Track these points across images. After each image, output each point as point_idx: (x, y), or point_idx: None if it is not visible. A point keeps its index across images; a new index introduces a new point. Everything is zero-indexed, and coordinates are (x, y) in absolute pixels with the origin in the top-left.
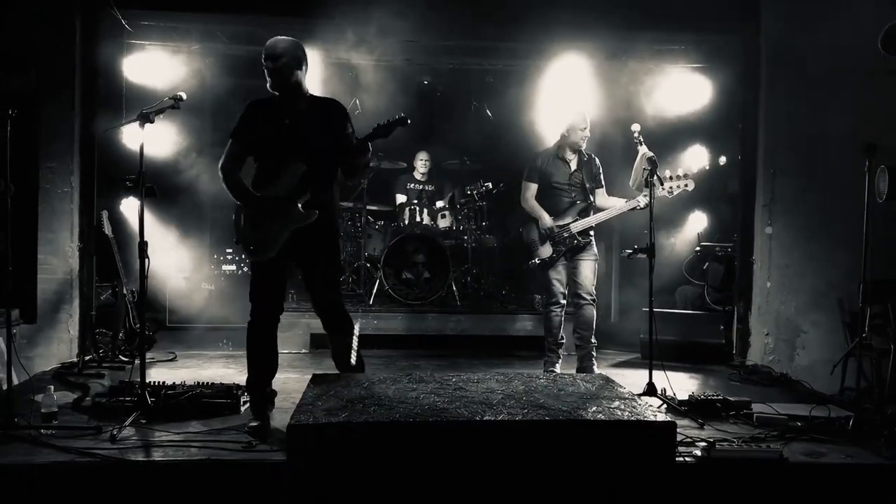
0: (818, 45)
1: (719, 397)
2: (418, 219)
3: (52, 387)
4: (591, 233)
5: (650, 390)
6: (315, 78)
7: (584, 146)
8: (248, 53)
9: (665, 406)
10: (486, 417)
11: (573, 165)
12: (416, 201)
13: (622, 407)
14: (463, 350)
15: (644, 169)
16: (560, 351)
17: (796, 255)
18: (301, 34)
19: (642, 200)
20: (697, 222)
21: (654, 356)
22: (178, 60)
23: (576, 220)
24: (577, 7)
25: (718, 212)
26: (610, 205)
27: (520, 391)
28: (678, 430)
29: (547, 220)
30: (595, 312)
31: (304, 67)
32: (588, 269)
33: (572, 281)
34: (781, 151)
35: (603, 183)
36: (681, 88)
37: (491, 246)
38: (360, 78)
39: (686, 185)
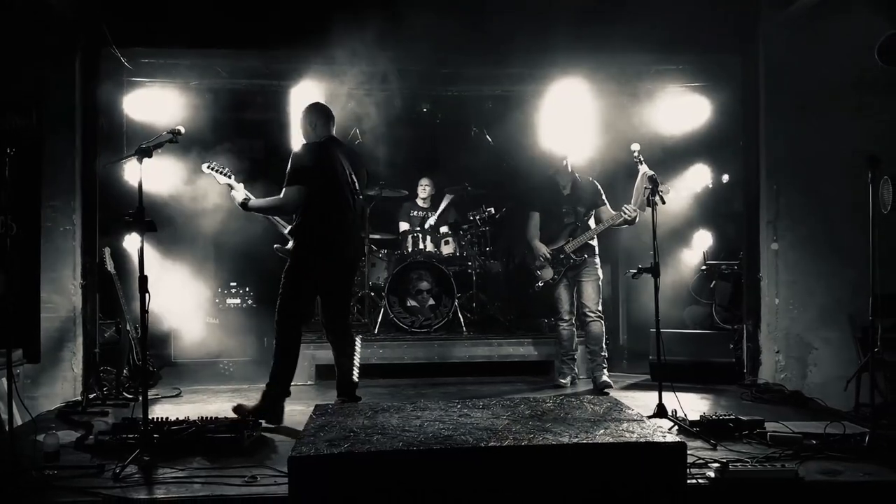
0: (817, 62)
1: (731, 417)
2: (421, 246)
3: (54, 426)
4: (592, 252)
5: (660, 412)
6: None
7: (567, 176)
8: (248, 87)
9: (676, 427)
10: (491, 443)
11: (567, 189)
12: (418, 228)
13: (630, 429)
14: (470, 377)
15: (645, 188)
16: (573, 364)
17: (803, 272)
18: (298, 66)
19: (628, 209)
20: (702, 241)
21: (664, 377)
22: (178, 96)
23: (568, 241)
24: (576, 31)
25: (723, 230)
26: (601, 219)
27: (526, 416)
28: (690, 451)
29: (539, 249)
30: (603, 327)
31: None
32: (590, 288)
33: (578, 300)
34: (784, 168)
35: (605, 202)
36: (681, 108)
37: (496, 271)
38: (359, 107)
39: (663, 202)
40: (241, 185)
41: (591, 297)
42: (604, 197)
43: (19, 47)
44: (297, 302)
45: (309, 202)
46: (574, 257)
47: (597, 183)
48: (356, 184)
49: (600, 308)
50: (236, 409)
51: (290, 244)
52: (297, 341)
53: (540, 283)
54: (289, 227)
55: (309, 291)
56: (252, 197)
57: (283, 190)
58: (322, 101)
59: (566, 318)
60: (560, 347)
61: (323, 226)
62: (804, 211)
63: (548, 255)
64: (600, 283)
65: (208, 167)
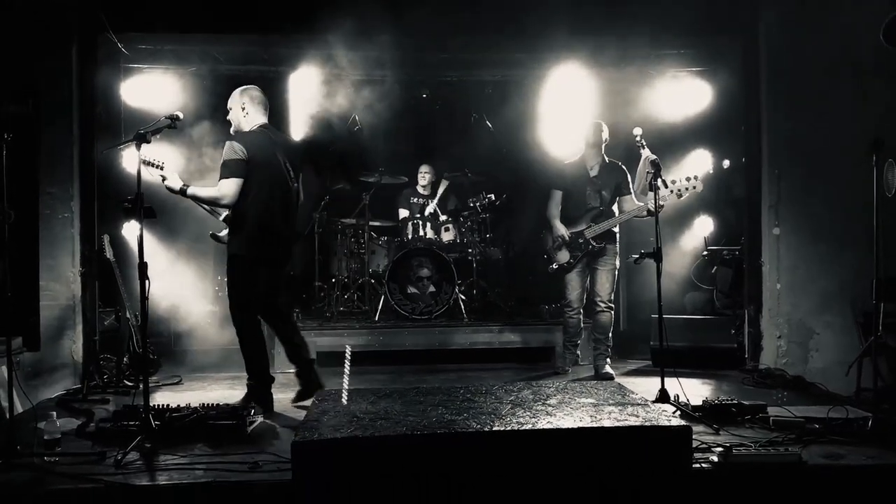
0: (818, 45)
1: (734, 402)
2: (422, 233)
3: (54, 413)
4: (613, 239)
5: (663, 397)
6: (314, 94)
7: (598, 158)
8: (245, 73)
9: (679, 412)
10: (495, 428)
11: (593, 172)
12: (418, 215)
13: (635, 413)
14: (471, 363)
15: (647, 172)
16: (576, 351)
17: (805, 256)
18: (297, 51)
19: (650, 202)
20: (704, 227)
21: (666, 363)
22: (176, 83)
23: (589, 227)
24: (576, 15)
25: (724, 215)
26: (624, 209)
27: (529, 400)
28: (693, 436)
29: (559, 229)
30: (612, 317)
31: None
32: (605, 277)
33: (591, 288)
34: (785, 152)
35: (631, 190)
36: (682, 92)
37: (496, 258)
38: (358, 93)
39: (695, 187)
40: (175, 172)
41: (605, 286)
42: (631, 185)
43: (15, 34)
44: (244, 292)
45: (245, 192)
46: (593, 244)
47: (625, 169)
48: (291, 172)
49: (612, 298)
50: None
51: (225, 232)
52: (256, 330)
53: (554, 266)
54: (223, 214)
55: (254, 279)
56: (188, 185)
57: (219, 183)
58: (320, 86)
59: (575, 305)
60: (565, 334)
61: (260, 216)
62: (806, 195)
63: (567, 237)
64: (616, 273)
65: (143, 161)
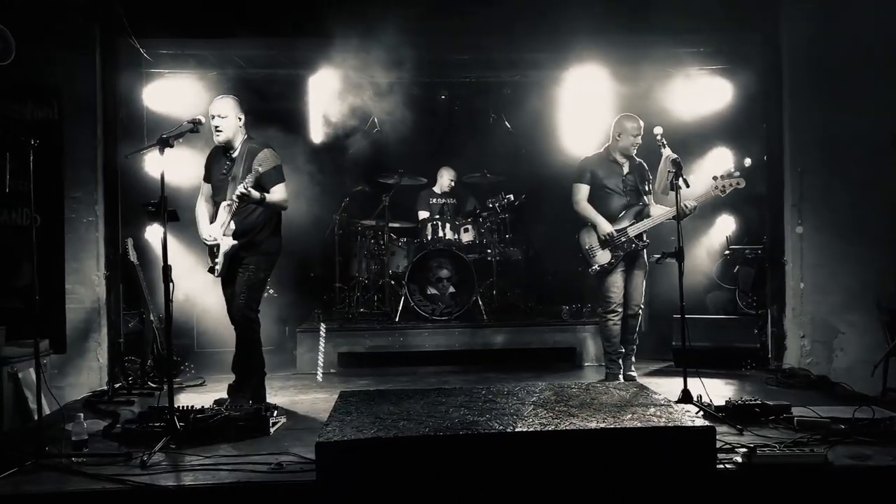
0: (841, 41)
1: (757, 402)
2: (441, 234)
3: (81, 415)
4: (646, 238)
5: (685, 397)
6: (332, 97)
7: (634, 152)
8: (265, 76)
9: (702, 413)
10: (518, 429)
11: (626, 168)
12: (437, 216)
13: (658, 414)
14: (492, 364)
15: (669, 172)
16: (620, 363)
17: (829, 255)
18: (315, 54)
19: (690, 203)
20: (725, 226)
21: (688, 363)
22: (197, 87)
23: (633, 224)
24: (594, 14)
25: (746, 214)
26: (661, 209)
27: (551, 401)
28: (717, 436)
29: (606, 225)
30: (639, 320)
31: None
32: (640, 280)
33: (626, 291)
34: (808, 150)
35: (650, 190)
36: (702, 91)
37: (515, 258)
38: (377, 95)
39: (738, 183)
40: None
41: (640, 289)
42: (649, 186)
43: (40, 40)
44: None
45: None
46: (637, 242)
47: (645, 166)
48: None
49: (643, 302)
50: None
51: (231, 241)
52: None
53: (595, 267)
54: (236, 226)
55: None
56: (264, 194)
57: (278, 187)
58: (339, 88)
59: (618, 310)
60: (608, 343)
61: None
62: (829, 193)
63: (614, 235)
64: (646, 274)
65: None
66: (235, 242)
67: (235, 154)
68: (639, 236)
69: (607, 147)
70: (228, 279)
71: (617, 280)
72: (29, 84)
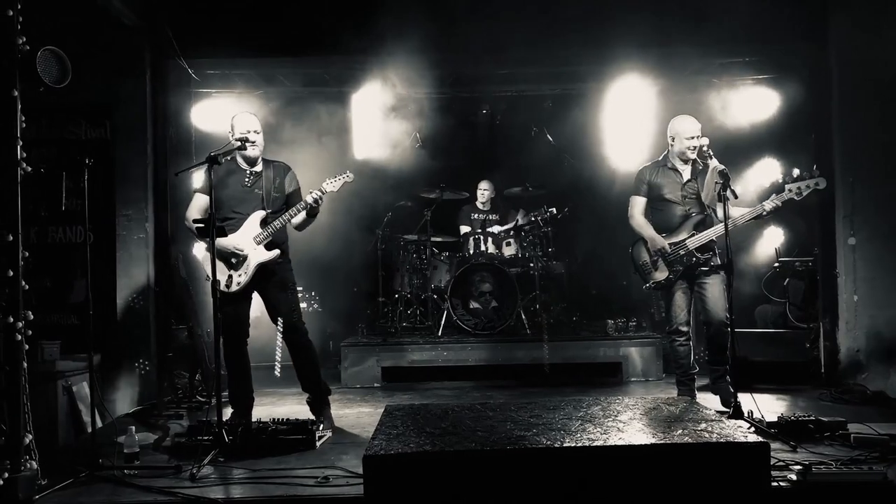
0: (889, 49)
1: (811, 418)
2: (483, 248)
3: (133, 427)
4: (715, 248)
5: (736, 413)
6: (375, 113)
7: (693, 155)
8: (309, 94)
9: (753, 429)
10: (566, 444)
11: (686, 175)
12: (479, 231)
13: (709, 429)
14: (535, 379)
15: (716, 183)
16: (693, 386)
17: (883, 267)
18: (358, 71)
19: (768, 205)
20: (774, 238)
21: (739, 378)
22: (242, 105)
23: (692, 235)
24: (637, 27)
25: (794, 226)
26: (732, 215)
27: (599, 416)
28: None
29: (658, 240)
30: (729, 336)
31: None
32: (716, 290)
33: (701, 306)
34: (859, 160)
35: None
36: (748, 101)
37: (558, 272)
38: (419, 110)
39: (818, 184)
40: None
41: (718, 300)
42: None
43: (93, 62)
44: None
45: None
46: (697, 255)
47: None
48: None
49: (727, 314)
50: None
51: (267, 252)
52: None
53: (651, 284)
54: (271, 238)
55: None
56: None
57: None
58: (381, 104)
59: (684, 329)
60: (677, 367)
61: None
62: (883, 204)
63: (666, 251)
64: (724, 283)
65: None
66: (278, 251)
67: (258, 168)
68: (702, 248)
69: (665, 154)
70: (242, 295)
71: (678, 298)
72: (83, 105)
